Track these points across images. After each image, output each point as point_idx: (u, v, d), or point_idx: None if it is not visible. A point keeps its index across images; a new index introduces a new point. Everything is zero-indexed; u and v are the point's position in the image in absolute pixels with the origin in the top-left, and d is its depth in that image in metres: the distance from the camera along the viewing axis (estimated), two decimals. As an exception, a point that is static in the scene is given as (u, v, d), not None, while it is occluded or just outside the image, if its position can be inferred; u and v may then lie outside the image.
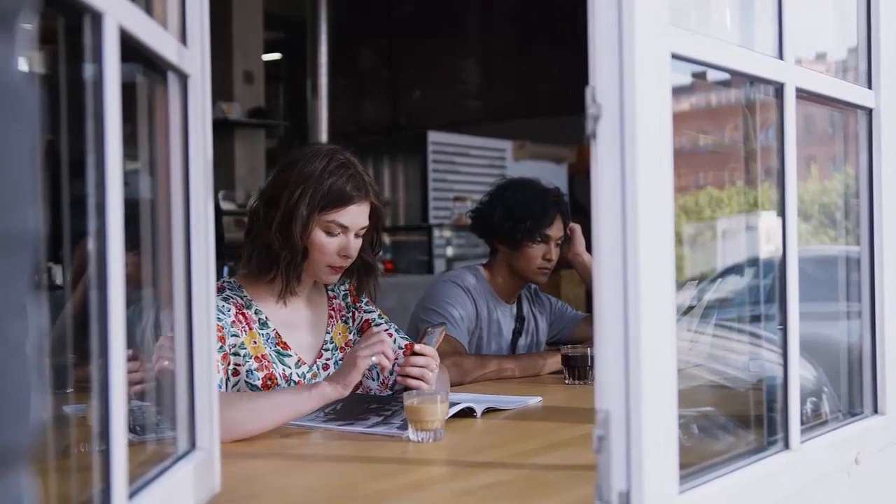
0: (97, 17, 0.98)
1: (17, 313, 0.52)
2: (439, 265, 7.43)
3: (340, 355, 2.30)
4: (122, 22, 1.02)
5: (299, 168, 2.15)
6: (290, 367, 2.18)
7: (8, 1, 0.52)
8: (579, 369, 2.61)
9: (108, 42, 0.99)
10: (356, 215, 2.17)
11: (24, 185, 0.52)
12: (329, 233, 2.15)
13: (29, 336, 0.53)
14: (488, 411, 2.14)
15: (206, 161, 1.37)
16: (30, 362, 0.53)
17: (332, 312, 2.34)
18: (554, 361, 2.79)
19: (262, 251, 2.16)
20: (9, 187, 0.51)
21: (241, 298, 2.17)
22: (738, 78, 1.58)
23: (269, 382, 2.13)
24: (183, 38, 1.33)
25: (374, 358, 1.94)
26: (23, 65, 0.54)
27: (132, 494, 1.07)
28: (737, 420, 1.67)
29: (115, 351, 1.00)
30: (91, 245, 1.00)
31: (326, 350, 2.29)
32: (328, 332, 2.31)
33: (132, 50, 1.10)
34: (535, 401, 2.32)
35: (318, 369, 2.25)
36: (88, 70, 1.00)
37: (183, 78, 1.33)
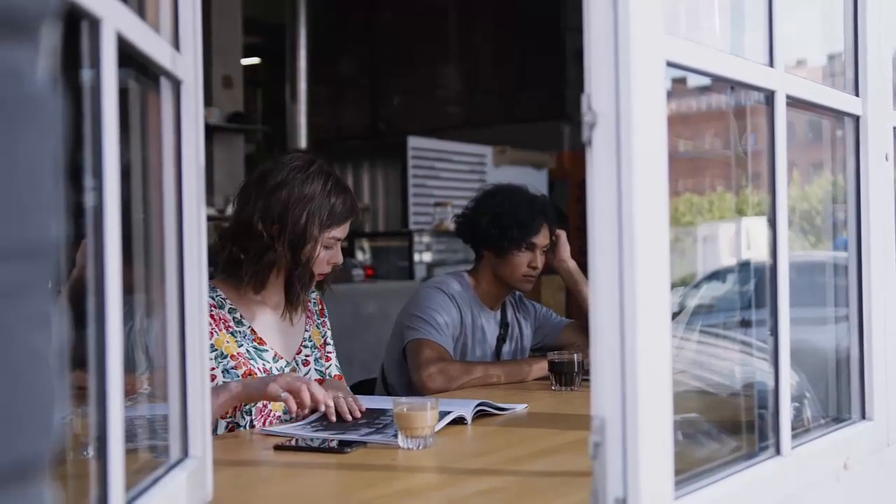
0: (95, 23, 0.97)
1: (40, 323, 0.52)
2: (420, 271, 7.41)
3: (318, 353, 2.40)
4: (120, 28, 1.02)
5: (297, 188, 2.22)
6: (268, 362, 2.25)
7: (30, 10, 0.51)
8: (566, 375, 2.61)
9: (106, 48, 0.98)
10: (348, 228, 2.32)
11: (47, 194, 0.52)
12: (326, 247, 2.27)
13: (51, 345, 0.53)
14: (479, 415, 2.14)
15: (198, 166, 1.36)
16: (53, 372, 0.53)
17: (309, 313, 2.44)
18: (540, 367, 2.79)
19: (267, 268, 2.23)
20: (32, 196, 0.50)
21: (213, 299, 2.20)
22: (720, 84, 1.59)
23: (249, 378, 2.18)
24: (176, 44, 1.32)
25: (283, 395, 1.96)
26: (46, 73, 0.54)
27: (128, 503, 1.06)
28: (727, 426, 1.68)
29: (111, 359, 0.99)
30: (88, 251, 0.99)
31: (306, 347, 2.38)
32: (307, 331, 2.40)
33: (125, 55, 1.09)
34: (521, 408, 2.32)
35: (297, 364, 2.34)
36: (85, 75, 0.99)
37: (176, 83, 1.32)
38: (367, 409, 2.16)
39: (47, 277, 0.54)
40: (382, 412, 2.14)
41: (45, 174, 0.52)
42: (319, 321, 2.46)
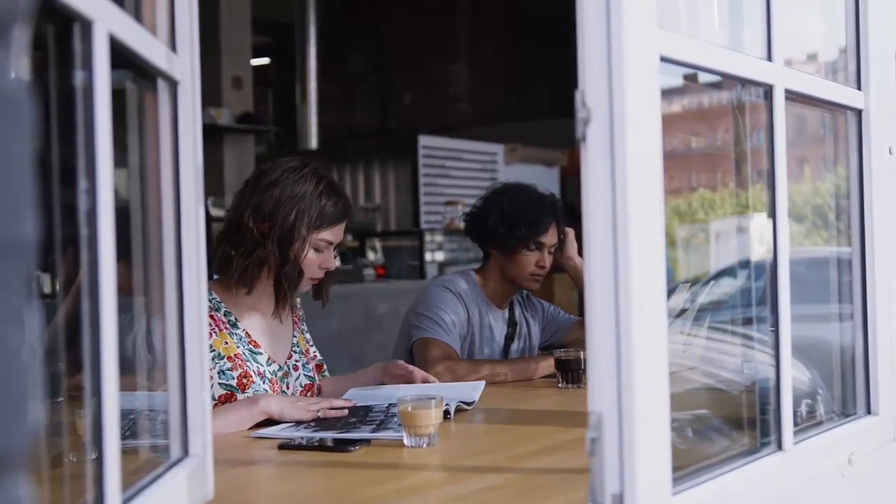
0: (87, 25, 0.98)
1: (14, 319, 0.53)
2: (431, 270, 7.41)
3: (305, 359, 2.43)
4: (112, 29, 1.02)
5: (289, 188, 2.25)
6: (262, 365, 2.28)
7: (4, 9, 0.52)
8: (572, 373, 2.60)
9: (98, 49, 0.99)
10: (341, 232, 2.33)
11: (22, 191, 0.52)
12: (317, 249, 2.29)
13: (26, 342, 0.54)
14: (457, 411, 2.17)
15: (196, 167, 1.36)
16: (27, 368, 0.54)
17: (296, 319, 2.48)
18: (547, 365, 2.79)
19: (256, 265, 2.25)
20: (6, 194, 0.51)
21: (210, 301, 2.22)
22: (729, 80, 1.58)
23: (244, 380, 2.23)
24: (172, 45, 1.32)
25: (320, 413, 2.11)
26: (18, 72, 0.54)
27: (125, 501, 1.06)
28: (730, 422, 1.67)
29: (107, 359, 0.99)
30: (83, 253, 0.99)
31: (295, 352, 2.41)
32: (294, 337, 2.44)
33: (121, 56, 1.10)
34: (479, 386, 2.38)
35: (289, 368, 2.37)
36: (78, 77, 1.00)
37: (173, 84, 1.32)
38: (357, 406, 2.19)
39: (23, 274, 0.54)
40: (371, 409, 2.16)
41: (19, 172, 0.52)
42: (303, 327, 2.51)
